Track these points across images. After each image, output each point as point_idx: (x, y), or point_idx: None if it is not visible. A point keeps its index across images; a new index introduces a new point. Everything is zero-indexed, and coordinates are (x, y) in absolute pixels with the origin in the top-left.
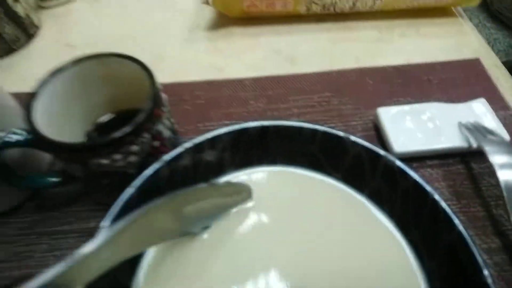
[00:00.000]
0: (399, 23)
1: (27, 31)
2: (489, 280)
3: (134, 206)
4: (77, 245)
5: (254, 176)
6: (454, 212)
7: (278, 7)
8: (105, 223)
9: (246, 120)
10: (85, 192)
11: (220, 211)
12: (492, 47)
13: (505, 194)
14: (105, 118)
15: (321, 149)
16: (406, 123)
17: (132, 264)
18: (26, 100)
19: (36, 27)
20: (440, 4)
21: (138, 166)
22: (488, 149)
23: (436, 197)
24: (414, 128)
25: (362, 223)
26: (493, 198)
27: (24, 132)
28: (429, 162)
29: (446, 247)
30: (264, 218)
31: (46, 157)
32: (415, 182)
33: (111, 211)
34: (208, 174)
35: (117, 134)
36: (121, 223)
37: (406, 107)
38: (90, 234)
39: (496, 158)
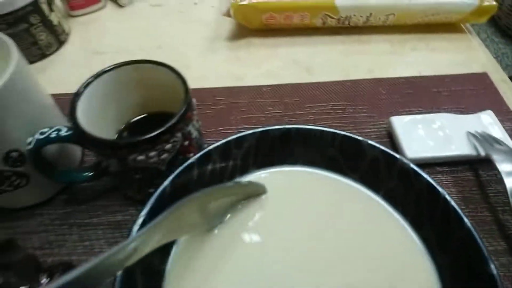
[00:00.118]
0: (410, 38)
1: (58, 38)
2: (495, 272)
3: (168, 197)
4: (105, 236)
5: (276, 174)
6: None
7: (295, 20)
8: (145, 210)
9: (264, 125)
10: (114, 187)
11: (236, 206)
12: (500, 62)
13: (511, 200)
14: (136, 119)
15: (340, 152)
16: (418, 131)
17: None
18: (71, 100)
19: (67, 35)
20: (449, 20)
21: (168, 163)
22: (495, 157)
23: (448, 197)
24: (426, 136)
25: (377, 221)
26: (500, 204)
27: (65, 129)
28: (439, 169)
29: (456, 243)
30: (281, 215)
31: (77, 154)
32: (428, 184)
33: (149, 201)
34: (234, 171)
35: (156, 132)
36: (159, 217)
37: (418, 117)
38: (117, 226)
39: (503, 166)
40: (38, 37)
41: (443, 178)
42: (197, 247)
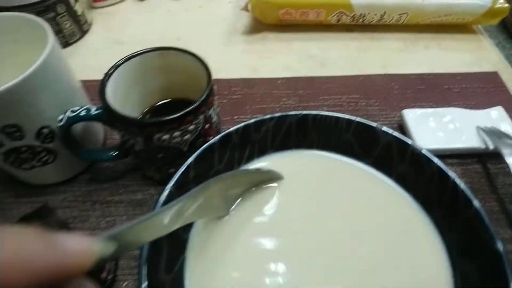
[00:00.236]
0: (423, 36)
1: (81, 28)
2: (501, 248)
3: (192, 174)
4: (127, 213)
5: (291, 158)
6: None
7: (311, 17)
8: (169, 185)
9: (282, 111)
10: (134, 168)
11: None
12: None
13: None
14: (158, 104)
15: (354, 137)
16: (429, 124)
17: None
18: (101, 81)
19: (89, 25)
20: (461, 21)
21: (189, 144)
22: (504, 151)
23: (457, 180)
24: (436, 129)
25: (389, 203)
26: (507, 195)
27: (94, 108)
28: (449, 161)
29: (464, 223)
30: (296, 197)
31: (100, 136)
32: (439, 168)
33: (173, 178)
34: (251, 153)
35: (181, 113)
36: (192, 191)
37: (429, 110)
38: (138, 204)
39: None
40: (63, 26)
41: (453, 170)
42: (217, 221)
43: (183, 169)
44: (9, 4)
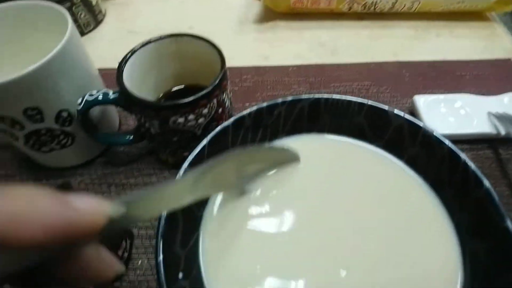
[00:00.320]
0: (434, 24)
1: (96, 18)
2: (511, 226)
3: (205, 156)
4: None
5: (303, 141)
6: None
7: (322, 5)
8: (185, 165)
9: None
10: (149, 152)
11: (269, 170)
12: None
13: None
14: (173, 90)
15: (366, 120)
16: (440, 109)
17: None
18: (118, 65)
19: (103, 15)
20: (474, 9)
21: (203, 128)
22: None
23: (468, 161)
24: (447, 114)
25: (399, 184)
26: None
27: (111, 92)
28: (459, 146)
29: (474, 202)
30: (309, 179)
31: (116, 122)
32: (450, 149)
33: (188, 158)
34: (264, 137)
35: (196, 96)
36: (199, 168)
37: (440, 96)
38: (153, 184)
39: None
40: (78, 15)
41: None
42: (230, 200)
43: (198, 150)
44: None
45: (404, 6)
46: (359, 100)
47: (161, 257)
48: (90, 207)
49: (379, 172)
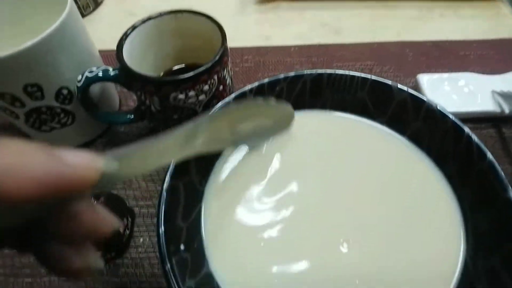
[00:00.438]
0: (438, 4)
1: (95, 0)
2: None
3: None
4: (142, 175)
5: (305, 117)
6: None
7: None
8: None
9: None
10: (149, 132)
11: (268, 133)
12: None
13: None
14: (173, 69)
15: (369, 95)
16: (444, 88)
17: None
18: (118, 42)
19: None
20: None
21: (204, 106)
22: None
23: (471, 134)
24: (451, 92)
25: (402, 160)
26: None
27: (111, 68)
28: None
29: (477, 175)
30: (312, 155)
31: (116, 101)
32: (453, 122)
33: None
34: None
35: (197, 72)
36: (191, 123)
37: (444, 75)
38: None
39: None
40: None
41: None
42: (231, 172)
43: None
44: None
45: None
46: (362, 75)
47: (162, 228)
48: (82, 162)
49: (382, 148)
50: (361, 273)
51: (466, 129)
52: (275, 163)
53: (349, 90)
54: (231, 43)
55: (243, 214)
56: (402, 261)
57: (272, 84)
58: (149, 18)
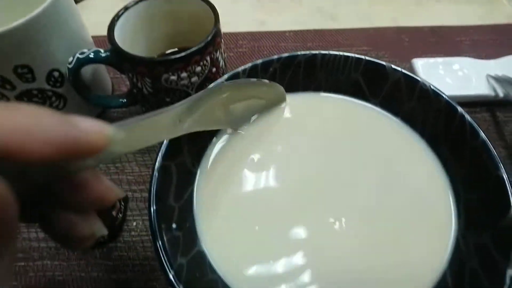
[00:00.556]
0: None
1: None
2: (505, 176)
3: None
4: (136, 159)
5: (299, 99)
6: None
7: None
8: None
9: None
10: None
11: (258, 110)
12: None
13: None
14: (165, 52)
15: (363, 76)
16: (439, 72)
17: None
18: (109, 23)
19: None
20: None
21: (197, 88)
22: None
23: (464, 113)
24: (446, 76)
25: (395, 140)
26: None
27: (103, 50)
28: None
29: (470, 154)
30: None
31: (109, 86)
32: (447, 102)
33: None
34: None
35: (188, 51)
36: (186, 100)
37: (439, 59)
38: (146, 151)
39: None
40: None
41: None
42: (224, 153)
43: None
44: None
45: None
46: (357, 55)
47: (154, 207)
48: (93, 127)
49: (375, 129)
50: (352, 251)
51: (459, 109)
52: (268, 145)
53: (343, 71)
54: (226, 28)
55: (235, 195)
56: (394, 240)
57: (266, 65)
58: (135, 2)
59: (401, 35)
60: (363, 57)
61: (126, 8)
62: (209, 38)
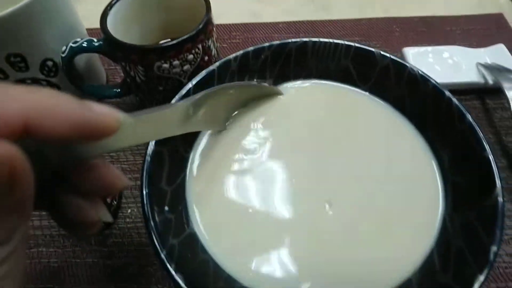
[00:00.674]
0: None
1: None
2: (491, 157)
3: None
4: (131, 148)
5: (291, 87)
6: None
7: None
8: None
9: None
10: (138, 107)
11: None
12: None
13: None
14: (160, 42)
15: (353, 63)
16: (429, 60)
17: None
18: (102, 13)
19: None
20: None
21: (189, 77)
22: (505, 85)
23: (452, 96)
24: (436, 64)
25: (384, 125)
26: (504, 128)
27: (96, 39)
28: None
29: (457, 136)
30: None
31: (103, 76)
32: (434, 86)
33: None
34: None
35: (180, 39)
36: (191, 97)
37: (429, 48)
38: None
39: None
40: None
41: None
42: (216, 139)
43: (183, 93)
44: None
45: None
46: (346, 42)
47: (146, 190)
48: (106, 111)
49: (365, 114)
50: (342, 230)
51: (447, 92)
52: (260, 130)
53: (333, 58)
54: (219, 19)
55: (227, 179)
56: (382, 221)
57: (257, 52)
58: None
59: (392, 26)
60: (352, 43)
61: (114, 1)
62: (201, 26)
